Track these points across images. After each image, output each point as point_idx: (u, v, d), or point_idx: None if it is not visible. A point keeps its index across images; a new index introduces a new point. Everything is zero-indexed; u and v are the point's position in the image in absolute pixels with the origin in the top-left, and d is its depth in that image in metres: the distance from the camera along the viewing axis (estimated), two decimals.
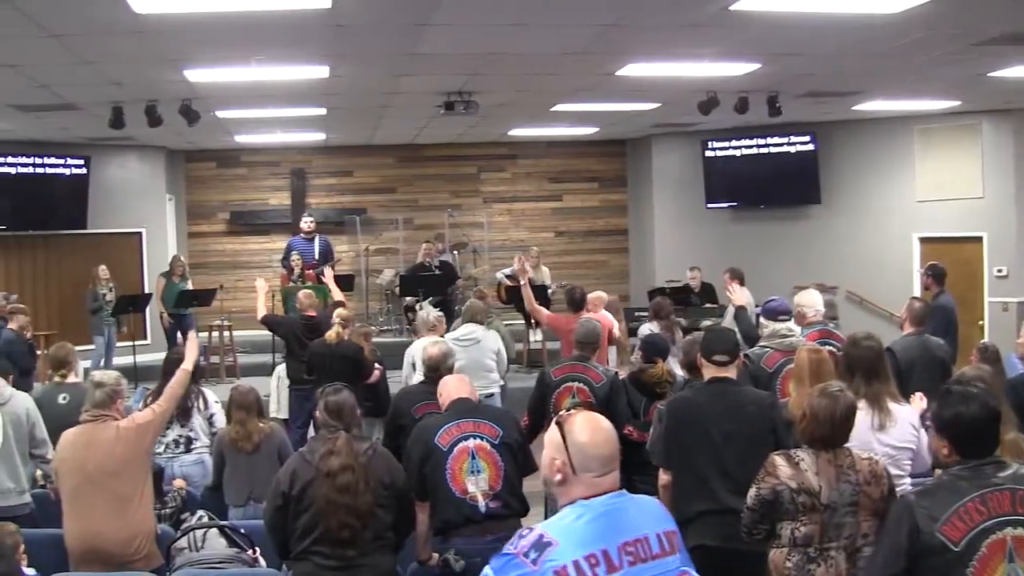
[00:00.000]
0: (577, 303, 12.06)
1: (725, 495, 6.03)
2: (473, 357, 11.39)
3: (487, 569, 3.66)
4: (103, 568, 6.59)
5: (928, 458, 6.26)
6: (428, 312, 12.39)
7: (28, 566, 6.29)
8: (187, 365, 7.67)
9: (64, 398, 9.19)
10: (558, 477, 3.72)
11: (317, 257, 17.84)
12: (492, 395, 11.40)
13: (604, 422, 3.78)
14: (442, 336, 11.00)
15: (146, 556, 6.79)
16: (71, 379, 9.55)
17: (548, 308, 13.77)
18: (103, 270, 17.47)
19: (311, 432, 11.62)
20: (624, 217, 22.97)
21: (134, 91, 13.05)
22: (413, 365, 11.44)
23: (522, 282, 12.83)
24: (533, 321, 16.85)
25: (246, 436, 8.41)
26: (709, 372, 6.46)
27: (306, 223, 18.47)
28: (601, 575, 3.50)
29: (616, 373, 9.43)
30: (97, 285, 17.39)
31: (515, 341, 14.14)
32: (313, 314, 12.44)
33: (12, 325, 13.05)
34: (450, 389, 7.11)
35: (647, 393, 8.86)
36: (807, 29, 10.65)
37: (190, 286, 18.23)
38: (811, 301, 9.07)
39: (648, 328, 11.94)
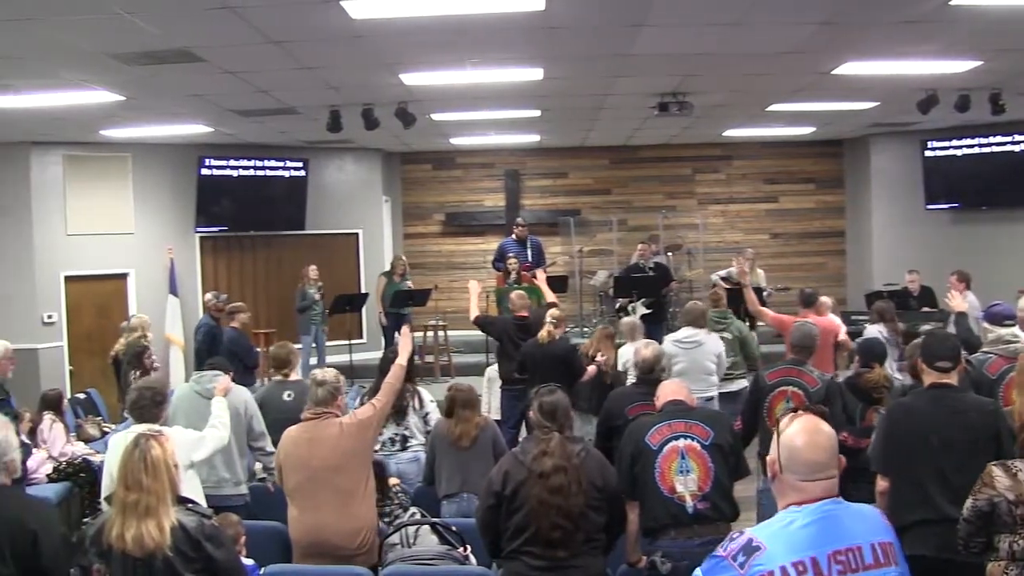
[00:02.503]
0: (808, 301, 11.89)
1: (943, 503, 5.85)
2: (694, 359, 11.34)
3: (698, 571, 3.70)
4: (328, 561, 6.74)
5: None
6: (628, 317, 12.39)
7: (246, 557, 6.46)
8: (401, 360, 7.78)
9: (288, 395, 9.43)
10: (771, 474, 3.76)
11: (530, 259, 17.90)
12: (711, 398, 11.32)
13: (824, 428, 3.74)
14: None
15: (369, 550, 6.93)
16: (293, 377, 9.80)
17: None
18: (312, 270, 17.83)
19: (523, 433, 11.72)
20: (841, 219, 22.50)
21: (351, 95, 13.33)
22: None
23: (744, 283, 12.66)
24: (747, 324, 16.68)
25: (466, 433, 8.53)
26: (930, 378, 6.29)
27: (518, 229, 18.58)
28: None
29: (832, 378, 9.23)
30: (306, 285, 17.77)
31: None
32: (525, 314, 12.43)
33: (235, 323, 13.43)
34: (666, 391, 7.14)
35: (863, 398, 8.68)
36: None
37: (411, 285, 18.47)
38: None
39: (876, 331, 11.69)
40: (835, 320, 12.00)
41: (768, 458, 3.78)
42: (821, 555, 3.49)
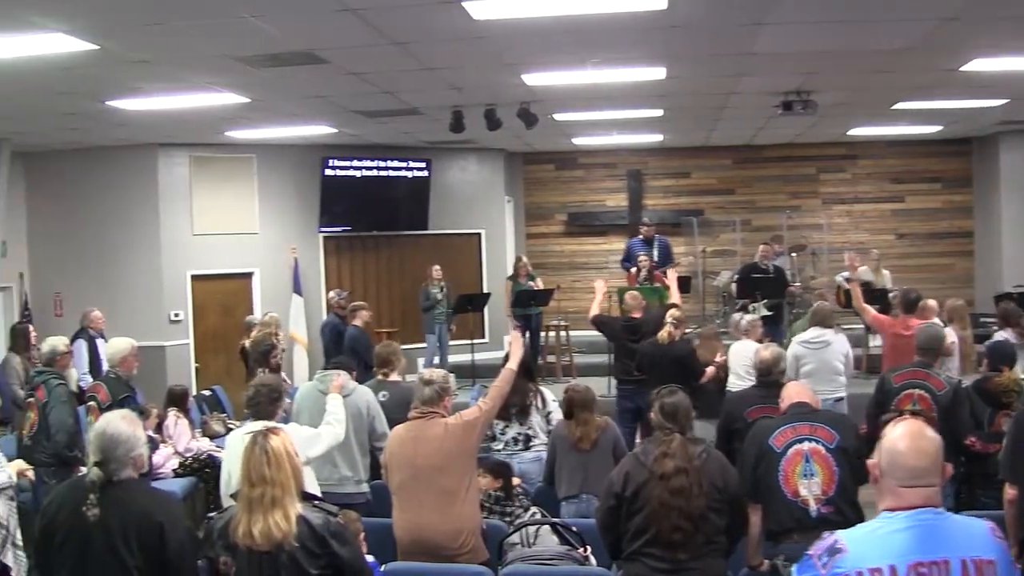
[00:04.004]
0: (909, 305, 11.70)
1: None
2: (823, 360, 11.26)
3: (793, 568, 3.76)
4: (430, 560, 6.76)
5: None
6: (749, 315, 12.31)
7: (367, 553, 6.50)
8: (511, 364, 7.73)
9: (384, 395, 9.44)
10: (872, 478, 3.75)
11: (656, 259, 17.80)
12: (841, 399, 11.22)
13: (929, 433, 3.68)
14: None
15: (472, 550, 6.91)
16: (392, 377, 9.84)
17: (889, 312, 13.37)
18: (436, 270, 17.86)
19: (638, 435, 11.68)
20: (969, 219, 22.06)
21: (473, 95, 13.39)
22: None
23: (850, 277, 12.50)
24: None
25: (586, 435, 8.53)
26: None
27: (644, 228, 18.52)
28: None
29: (960, 381, 9.07)
30: (430, 284, 17.80)
31: (853, 346, 13.60)
32: (637, 315, 12.38)
33: (357, 321, 13.54)
34: (791, 393, 7.10)
35: (992, 403, 8.53)
36: None
37: (540, 285, 18.31)
38: None
39: (1002, 336, 11.48)
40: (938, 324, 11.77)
41: (870, 462, 3.75)
42: (901, 564, 3.45)
